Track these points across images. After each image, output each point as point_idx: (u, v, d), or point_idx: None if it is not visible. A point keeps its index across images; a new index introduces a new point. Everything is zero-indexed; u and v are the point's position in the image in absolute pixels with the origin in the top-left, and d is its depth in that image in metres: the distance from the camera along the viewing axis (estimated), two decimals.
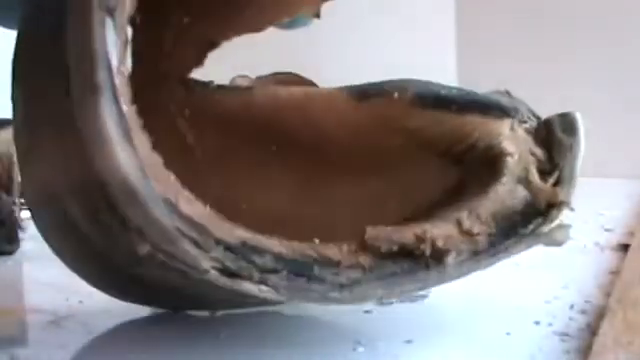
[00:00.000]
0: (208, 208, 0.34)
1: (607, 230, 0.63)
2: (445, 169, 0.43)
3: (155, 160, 0.33)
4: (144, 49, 0.43)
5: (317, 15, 0.44)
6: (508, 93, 0.45)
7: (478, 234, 0.40)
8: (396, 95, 0.43)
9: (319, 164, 0.43)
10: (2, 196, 0.58)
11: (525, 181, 0.41)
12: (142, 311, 0.46)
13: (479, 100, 0.43)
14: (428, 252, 0.38)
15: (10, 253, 0.58)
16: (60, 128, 0.33)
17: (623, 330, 0.41)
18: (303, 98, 0.44)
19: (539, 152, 0.43)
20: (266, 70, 0.67)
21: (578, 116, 0.43)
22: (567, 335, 0.43)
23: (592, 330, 0.43)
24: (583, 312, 0.46)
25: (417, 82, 0.44)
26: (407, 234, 0.38)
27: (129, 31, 0.34)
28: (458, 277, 0.40)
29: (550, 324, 0.44)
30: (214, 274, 0.33)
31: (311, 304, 0.39)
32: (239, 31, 0.45)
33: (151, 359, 0.43)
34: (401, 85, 0.43)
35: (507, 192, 0.41)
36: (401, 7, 0.90)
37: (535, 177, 0.41)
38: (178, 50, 0.46)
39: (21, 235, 0.60)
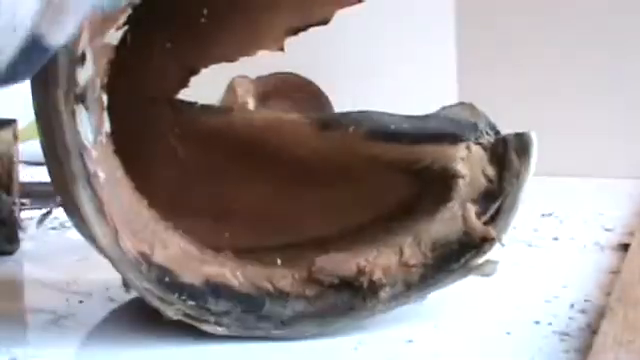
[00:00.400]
0: (181, 248, 0.42)
1: (607, 230, 0.63)
2: (404, 183, 0.46)
3: (132, 215, 0.42)
4: (134, 65, 0.46)
5: (282, 49, 0.48)
6: (472, 106, 0.47)
7: (414, 265, 0.44)
8: (351, 129, 0.46)
9: (291, 176, 0.47)
10: (2, 196, 0.58)
11: (462, 217, 0.44)
12: (142, 311, 0.46)
13: (431, 131, 0.46)
14: (365, 285, 0.43)
15: (10, 253, 0.58)
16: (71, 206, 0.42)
17: (623, 329, 0.41)
18: (275, 123, 0.48)
19: (491, 172, 0.45)
20: (266, 70, 0.67)
21: (533, 136, 0.45)
22: (567, 334, 0.43)
23: (592, 329, 0.43)
24: (583, 311, 0.46)
25: (372, 116, 0.47)
26: (350, 266, 0.43)
27: (104, 97, 0.40)
28: (386, 311, 0.44)
29: (550, 323, 0.44)
30: (181, 319, 0.42)
31: None
32: (215, 60, 0.49)
33: (151, 359, 0.43)
34: (357, 119, 0.47)
35: (451, 217, 0.44)
36: (401, 10, 0.90)
37: (471, 213, 0.44)
38: (163, 72, 0.49)
39: (21, 235, 0.60)
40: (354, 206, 0.46)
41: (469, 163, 0.45)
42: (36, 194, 0.68)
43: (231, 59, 0.49)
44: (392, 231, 0.45)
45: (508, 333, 0.43)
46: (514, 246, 0.59)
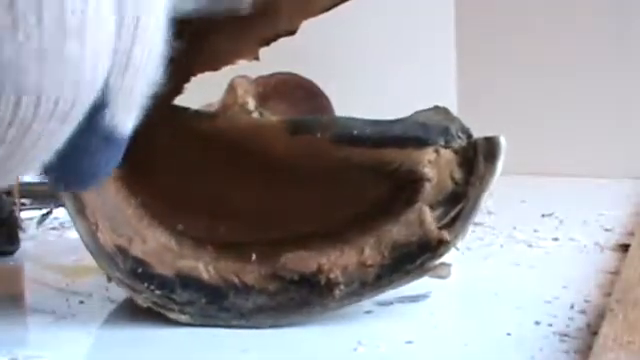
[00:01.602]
0: (160, 243, 0.47)
1: (607, 230, 0.63)
2: (376, 183, 0.47)
3: (115, 213, 0.47)
4: None
5: (257, 58, 0.51)
6: (445, 110, 0.49)
7: (371, 265, 0.45)
8: (319, 135, 0.48)
9: (272, 177, 0.49)
10: (2, 196, 0.58)
11: (419, 220, 0.45)
12: (142, 311, 0.46)
13: (395, 135, 0.47)
14: (323, 282, 0.45)
15: (10, 253, 0.58)
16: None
17: (623, 330, 0.41)
18: (254, 128, 0.50)
19: (459, 175, 0.46)
20: (266, 70, 0.67)
21: (502, 141, 0.45)
22: (567, 335, 0.42)
23: (592, 330, 0.43)
24: (583, 312, 0.46)
25: (339, 121, 0.50)
26: (312, 264, 0.46)
27: None
28: (338, 309, 0.46)
29: (550, 324, 0.44)
30: (150, 307, 0.46)
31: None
32: (202, 69, 0.51)
33: (151, 358, 0.43)
34: (324, 124, 0.49)
35: (415, 219, 0.45)
36: (400, 9, 0.90)
37: (427, 217, 0.45)
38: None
39: (21, 235, 0.60)
40: (327, 206, 0.48)
41: (437, 166, 0.46)
42: (36, 194, 0.68)
43: (215, 68, 0.52)
44: (359, 231, 0.46)
45: (508, 334, 0.43)
46: (514, 246, 0.60)
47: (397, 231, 0.46)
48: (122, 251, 0.46)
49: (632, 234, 0.61)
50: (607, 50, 0.85)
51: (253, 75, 0.61)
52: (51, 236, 0.63)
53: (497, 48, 0.88)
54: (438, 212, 0.45)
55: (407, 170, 0.47)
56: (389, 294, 0.46)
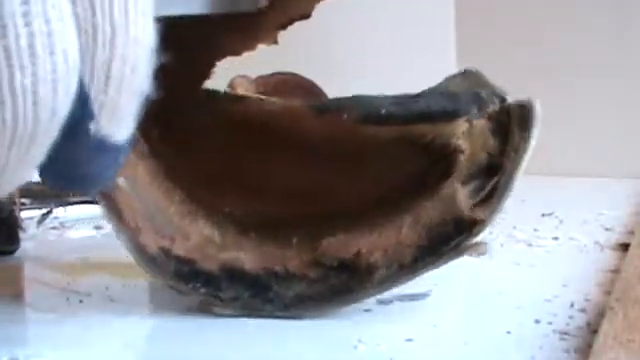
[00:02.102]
0: (203, 236, 0.47)
1: (607, 230, 0.63)
2: (413, 157, 0.46)
3: (156, 213, 0.46)
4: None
5: (276, 42, 0.51)
6: (477, 74, 0.47)
7: (409, 246, 0.44)
8: (345, 116, 0.47)
9: (307, 157, 0.48)
10: None
11: (453, 198, 0.44)
12: (141, 311, 0.46)
13: (422, 111, 0.46)
14: (363, 267, 0.45)
15: (10, 253, 0.58)
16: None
17: (623, 328, 0.41)
18: (283, 109, 0.50)
19: (493, 145, 0.44)
20: (266, 70, 0.67)
21: (537, 106, 0.43)
22: (567, 334, 0.42)
23: (592, 328, 0.43)
24: (583, 311, 0.46)
25: (362, 100, 0.48)
26: (351, 248, 0.45)
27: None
28: (376, 294, 0.45)
29: (550, 323, 0.44)
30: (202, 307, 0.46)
31: None
32: (224, 55, 0.52)
33: (151, 358, 0.43)
34: (348, 105, 0.47)
35: (450, 195, 0.44)
36: (400, 9, 0.90)
37: (461, 195, 0.44)
38: (186, 68, 0.51)
39: (21, 235, 0.60)
40: (361, 185, 0.47)
41: (470, 137, 0.44)
42: (36, 194, 0.68)
43: (238, 53, 0.52)
44: (395, 209, 0.45)
45: (508, 332, 0.43)
46: (514, 246, 0.60)
47: (432, 207, 0.44)
48: (165, 252, 0.46)
49: (632, 233, 0.61)
50: (607, 50, 0.85)
51: (253, 75, 0.61)
52: (51, 236, 0.63)
53: (497, 48, 0.87)
54: (472, 186, 0.44)
55: (439, 144, 0.45)
56: (388, 293, 0.46)
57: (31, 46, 0.27)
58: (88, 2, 0.28)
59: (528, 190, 0.77)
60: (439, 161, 0.45)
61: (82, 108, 0.29)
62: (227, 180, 0.49)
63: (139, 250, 0.46)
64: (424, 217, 0.44)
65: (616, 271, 0.52)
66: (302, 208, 0.48)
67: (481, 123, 0.45)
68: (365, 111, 0.47)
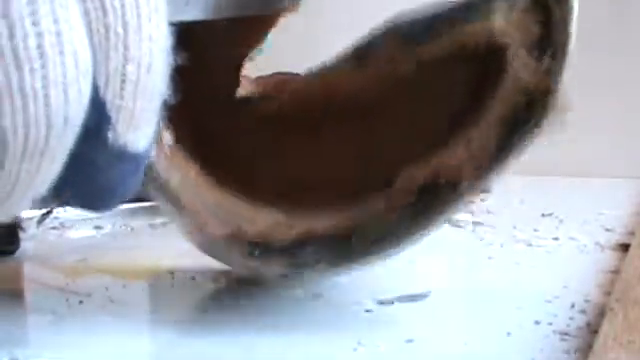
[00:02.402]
0: (270, 219, 0.46)
1: (607, 230, 0.63)
2: (462, 71, 0.46)
3: (216, 207, 0.46)
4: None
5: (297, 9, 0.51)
6: None
7: (484, 149, 0.43)
8: (382, 50, 0.47)
9: (356, 116, 0.48)
10: None
11: (515, 81, 0.43)
12: (141, 311, 0.46)
13: (454, 16, 0.45)
14: (443, 184, 0.43)
15: (10, 253, 0.58)
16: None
17: (624, 329, 0.41)
18: (323, 77, 0.50)
19: (535, 30, 0.44)
20: (266, 70, 0.66)
21: None
22: (567, 334, 0.43)
23: (592, 329, 0.43)
24: (583, 311, 0.46)
25: (392, 30, 0.48)
26: (426, 170, 0.44)
27: None
28: (462, 206, 0.44)
29: (550, 323, 0.44)
30: (285, 271, 0.46)
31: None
32: (253, 34, 0.52)
33: (151, 358, 0.43)
34: (382, 41, 0.48)
35: (510, 87, 0.43)
36: (400, 9, 0.90)
37: (522, 74, 0.43)
38: (219, 68, 0.53)
39: (21, 235, 0.60)
40: (422, 112, 0.47)
41: (511, 29, 0.44)
42: None
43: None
44: (462, 125, 0.44)
45: (508, 333, 0.43)
46: (514, 246, 0.60)
47: (499, 106, 0.43)
48: (235, 237, 0.46)
49: (632, 234, 0.61)
50: (607, 50, 0.85)
51: (253, 75, 0.61)
52: (51, 236, 0.63)
53: None
54: (530, 64, 0.43)
55: (484, 43, 0.44)
56: (389, 293, 0.47)
57: (40, 46, 0.26)
58: (99, 1, 0.28)
59: (528, 190, 0.77)
60: (488, 64, 0.44)
61: (98, 115, 0.28)
62: (280, 173, 0.49)
63: (207, 239, 0.46)
64: (491, 118, 0.44)
65: (616, 272, 0.52)
66: (368, 171, 0.47)
67: (518, 12, 0.44)
68: (400, 38, 0.47)
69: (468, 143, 0.44)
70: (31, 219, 0.64)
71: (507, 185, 0.76)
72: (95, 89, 0.28)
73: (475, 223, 0.65)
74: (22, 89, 0.26)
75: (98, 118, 0.28)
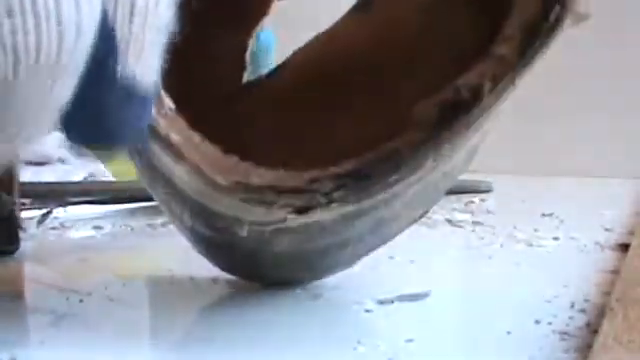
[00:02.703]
0: (278, 173, 0.42)
1: (607, 230, 0.63)
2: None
3: (223, 168, 0.42)
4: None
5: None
6: None
7: (507, 52, 0.42)
8: None
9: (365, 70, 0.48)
10: (2, 196, 0.58)
11: None
12: (141, 311, 0.46)
13: None
14: (467, 95, 0.41)
15: (10, 253, 0.58)
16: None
17: (623, 329, 0.41)
18: (322, 48, 0.50)
19: None
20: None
21: None
22: (567, 334, 0.42)
23: (592, 329, 0.43)
24: (583, 311, 0.46)
25: None
26: (447, 89, 0.41)
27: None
28: (497, 105, 0.42)
29: (550, 323, 0.44)
30: (290, 217, 0.41)
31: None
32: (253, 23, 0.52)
33: (150, 357, 0.43)
34: None
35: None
36: None
37: None
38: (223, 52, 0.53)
39: (21, 235, 0.60)
40: (438, 49, 0.47)
41: None
42: (36, 194, 0.68)
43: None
44: (477, 59, 0.43)
45: (508, 333, 0.43)
46: (514, 246, 0.60)
47: (517, 13, 0.43)
48: (241, 185, 0.42)
49: (632, 233, 0.61)
50: (607, 50, 0.85)
51: None
52: (51, 236, 0.63)
53: None
54: None
55: None
56: (389, 293, 0.46)
57: None
58: None
59: (528, 190, 0.77)
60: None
61: (107, 43, 0.28)
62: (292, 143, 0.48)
63: (207, 181, 0.42)
64: (510, 27, 0.43)
65: (616, 271, 0.52)
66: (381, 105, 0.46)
67: None
68: None
69: (492, 54, 0.42)
70: (31, 219, 0.64)
71: (507, 185, 0.76)
72: (104, 16, 0.28)
73: (475, 223, 0.65)
74: (34, 6, 0.26)
75: (106, 46, 0.28)
